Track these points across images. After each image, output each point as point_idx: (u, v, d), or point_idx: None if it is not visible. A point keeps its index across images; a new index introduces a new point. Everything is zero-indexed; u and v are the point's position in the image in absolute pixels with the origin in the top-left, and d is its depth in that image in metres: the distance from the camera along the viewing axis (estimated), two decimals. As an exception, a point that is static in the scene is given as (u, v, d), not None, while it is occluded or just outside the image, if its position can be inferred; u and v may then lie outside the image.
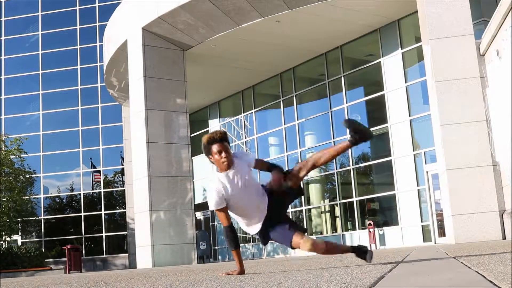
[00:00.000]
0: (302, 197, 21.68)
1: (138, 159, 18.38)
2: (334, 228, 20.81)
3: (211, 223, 25.56)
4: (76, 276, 11.16)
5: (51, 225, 32.27)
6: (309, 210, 21.52)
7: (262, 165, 4.87)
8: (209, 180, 4.76)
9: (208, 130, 25.83)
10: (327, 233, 20.86)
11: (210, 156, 4.56)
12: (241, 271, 4.63)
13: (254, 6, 16.72)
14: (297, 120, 21.69)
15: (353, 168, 19.67)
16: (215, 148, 4.50)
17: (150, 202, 17.60)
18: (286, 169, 4.91)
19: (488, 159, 12.70)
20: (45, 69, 33.03)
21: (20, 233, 30.60)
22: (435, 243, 16.35)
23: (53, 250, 30.63)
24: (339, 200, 20.15)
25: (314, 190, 21.86)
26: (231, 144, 4.64)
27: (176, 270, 8.34)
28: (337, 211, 20.53)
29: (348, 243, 19.48)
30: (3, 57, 33.81)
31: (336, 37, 19.16)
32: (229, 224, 4.58)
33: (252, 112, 23.72)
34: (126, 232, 28.10)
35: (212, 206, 4.56)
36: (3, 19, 34.30)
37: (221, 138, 4.52)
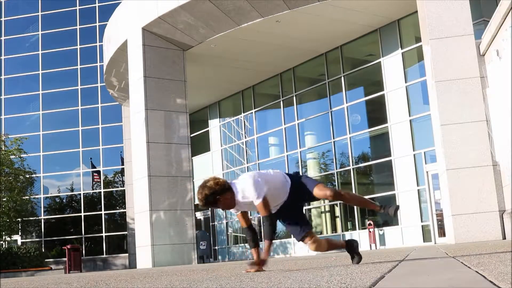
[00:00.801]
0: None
1: (138, 159, 18.38)
2: (334, 228, 20.81)
3: (211, 223, 25.57)
4: (76, 276, 11.16)
5: (51, 225, 32.26)
6: (309, 210, 21.51)
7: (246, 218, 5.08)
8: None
9: (208, 130, 25.84)
10: (327, 233, 20.86)
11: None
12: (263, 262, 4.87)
13: (254, 6, 16.72)
14: (297, 120, 21.69)
15: (353, 168, 19.67)
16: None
17: (150, 202, 17.60)
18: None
19: (488, 159, 12.71)
20: (45, 69, 33.01)
21: (20, 233, 30.58)
22: (435, 243, 16.35)
23: (53, 250, 30.61)
24: (339, 200, 20.12)
25: (314, 190, 21.82)
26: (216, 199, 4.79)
27: (176, 270, 8.34)
28: (337, 211, 20.53)
29: (348, 243, 19.47)
30: (3, 57, 33.79)
31: (336, 37, 19.16)
32: (248, 225, 4.94)
33: (252, 112, 23.72)
34: (126, 232, 28.09)
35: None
36: (3, 19, 34.28)
37: (207, 203, 4.73)
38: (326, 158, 21.24)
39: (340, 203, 20.19)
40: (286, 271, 4.61)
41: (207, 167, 25.55)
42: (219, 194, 4.68)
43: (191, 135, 19.94)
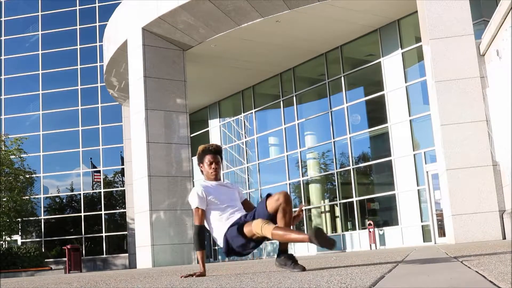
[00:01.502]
0: (303, 198, 21.70)
1: (138, 159, 18.38)
2: (334, 228, 20.81)
3: (211, 223, 25.55)
4: (76, 276, 11.16)
5: (51, 225, 32.26)
6: (309, 210, 21.52)
7: (248, 208, 4.85)
8: (195, 186, 4.91)
9: (208, 130, 25.85)
10: (327, 233, 20.81)
11: (201, 165, 4.86)
12: (203, 273, 4.66)
13: (254, 6, 16.72)
14: (297, 120, 21.69)
15: (353, 168, 19.67)
16: (207, 158, 4.80)
17: (150, 202, 17.60)
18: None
19: (488, 159, 12.71)
20: (45, 69, 33.02)
21: (20, 233, 30.59)
22: (435, 243, 16.36)
23: (53, 250, 30.62)
24: (339, 200, 20.15)
25: (314, 190, 21.86)
26: (223, 156, 4.98)
27: (176, 270, 8.34)
28: (337, 211, 20.53)
29: (348, 243, 19.48)
30: (3, 57, 33.80)
31: (336, 37, 19.16)
32: (200, 224, 4.67)
33: (252, 112, 23.73)
34: (126, 232, 28.09)
35: (194, 204, 4.67)
36: (3, 19, 34.29)
37: (216, 151, 4.83)
38: (326, 158, 21.25)
39: (340, 203, 20.19)
40: (286, 271, 4.60)
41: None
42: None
43: (191, 135, 19.94)
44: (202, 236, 4.69)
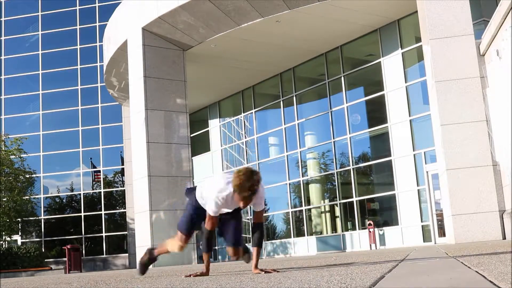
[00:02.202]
0: (303, 198, 21.69)
1: (138, 159, 18.38)
2: (334, 228, 20.81)
3: (211, 223, 25.51)
4: (76, 276, 11.15)
5: (51, 225, 32.24)
6: (309, 210, 21.51)
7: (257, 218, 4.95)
8: (218, 189, 4.79)
9: (208, 130, 25.83)
10: (327, 233, 20.85)
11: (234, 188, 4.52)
12: (205, 273, 4.84)
13: (254, 6, 16.72)
14: (297, 120, 21.68)
15: (353, 168, 19.67)
16: (240, 197, 4.50)
17: (150, 202, 17.60)
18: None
19: (488, 159, 12.71)
20: (45, 69, 33.00)
21: (20, 233, 30.57)
22: (435, 243, 16.36)
23: (53, 250, 30.60)
24: (339, 200, 20.14)
25: (314, 190, 21.86)
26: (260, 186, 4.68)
27: (176, 270, 8.33)
28: (337, 211, 20.52)
29: (348, 243, 19.47)
30: (3, 57, 33.78)
31: (336, 37, 19.16)
32: (211, 229, 4.92)
33: (252, 112, 23.72)
34: (126, 232, 28.07)
35: (211, 211, 4.85)
36: (3, 19, 34.27)
37: (249, 197, 4.49)
38: (326, 158, 21.24)
39: (340, 203, 20.19)
40: (286, 271, 4.60)
41: (207, 167, 25.56)
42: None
43: (191, 135, 19.93)
44: (211, 240, 4.92)
